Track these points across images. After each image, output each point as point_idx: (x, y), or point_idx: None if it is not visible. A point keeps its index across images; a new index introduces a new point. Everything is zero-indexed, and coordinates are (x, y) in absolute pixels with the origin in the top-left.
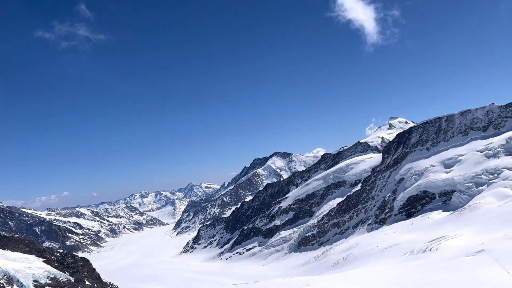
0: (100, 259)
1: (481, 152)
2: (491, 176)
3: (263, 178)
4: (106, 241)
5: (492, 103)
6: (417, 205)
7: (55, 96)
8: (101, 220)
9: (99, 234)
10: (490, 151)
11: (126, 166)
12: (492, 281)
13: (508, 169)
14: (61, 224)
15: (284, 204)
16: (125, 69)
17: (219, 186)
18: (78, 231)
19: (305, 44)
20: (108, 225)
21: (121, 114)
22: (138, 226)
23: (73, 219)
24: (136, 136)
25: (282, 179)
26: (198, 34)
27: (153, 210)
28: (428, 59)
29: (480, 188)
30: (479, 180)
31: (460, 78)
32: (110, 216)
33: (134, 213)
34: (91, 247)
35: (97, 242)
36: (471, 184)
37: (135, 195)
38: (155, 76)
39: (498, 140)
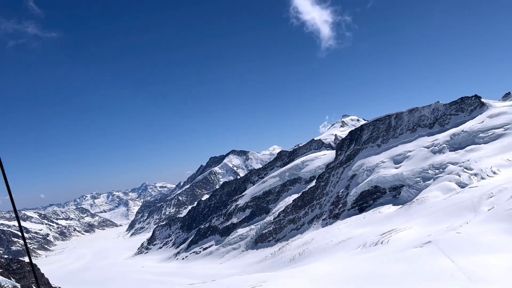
0: (49, 264)
1: (428, 148)
2: (437, 170)
3: (220, 177)
4: (56, 245)
5: (438, 102)
6: (369, 199)
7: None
8: (49, 223)
9: (48, 238)
10: (436, 147)
11: (76, 166)
12: (439, 270)
13: (453, 164)
14: (5, 229)
15: (241, 202)
16: (76, 67)
17: (174, 186)
18: (24, 235)
19: (260, 44)
20: (57, 228)
21: (71, 112)
22: (90, 228)
23: None
24: (86, 135)
25: (239, 177)
26: (150, 32)
27: (105, 211)
28: (379, 60)
29: (427, 182)
30: (426, 175)
31: (408, 78)
32: (60, 219)
33: (85, 214)
34: (39, 251)
35: (46, 246)
36: (418, 178)
37: (86, 196)
38: (107, 73)
39: (443, 137)
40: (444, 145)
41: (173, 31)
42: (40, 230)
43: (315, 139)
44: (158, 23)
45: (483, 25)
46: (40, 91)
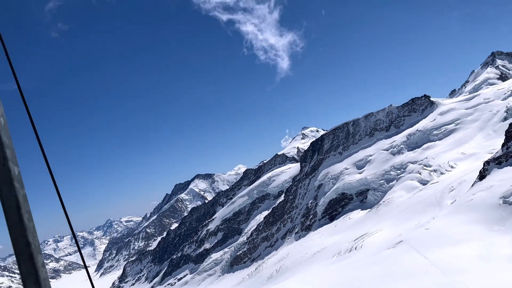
0: None
1: (387, 150)
2: (399, 171)
3: (187, 203)
4: None
5: (391, 105)
6: (337, 207)
7: None
8: (10, 274)
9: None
10: (395, 149)
11: (33, 210)
12: (413, 267)
13: (412, 163)
14: None
15: (211, 226)
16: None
17: (141, 218)
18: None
19: (216, 69)
20: (20, 278)
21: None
22: (56, 274)
23: None
24: (39, 175)
25: (207, 201)
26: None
27: (71, 254)
28: (329, 71)
29: (391, 183)
30: (389, 176)
31: (359, 84)
32: None
33: (49, 260)
34: None
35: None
36: (382, 181)
37: (48, 241)
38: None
39: (400, 138)
40: (402, 145)
41: (125, 63)
42: (2, 284)
43: (279, 153)
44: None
45: (425, 27)
46: None
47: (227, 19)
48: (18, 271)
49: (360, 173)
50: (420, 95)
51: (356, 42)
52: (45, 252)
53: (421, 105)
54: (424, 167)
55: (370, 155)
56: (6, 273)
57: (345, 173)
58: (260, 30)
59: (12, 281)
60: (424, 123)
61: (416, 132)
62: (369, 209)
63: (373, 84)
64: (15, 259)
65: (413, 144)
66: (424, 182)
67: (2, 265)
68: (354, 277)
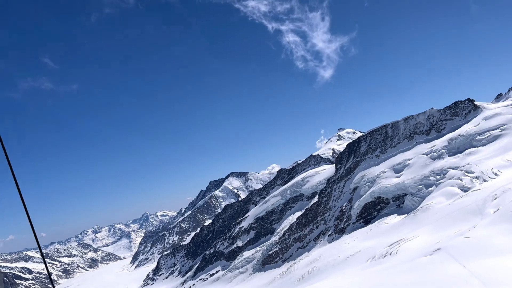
0: None
1: (427, 154)
2: (438, 176)
3: (221, 200)
4: (59, 283)
5: (432, 108)
6: (373, 211)
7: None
8: (52, 261)
9: (51, 277)
10: (435, 153)
11: (75, 202)
12: (451, 277)
13: (453, 168)
14: (7, 271)
15: (244, 224)
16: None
17: (175, 213)
18: (27, 276)
19: (254, 71)
20: (60, 266)
21: (69, 149)
22: (93, 263)
23: (21, 264)
24: (84, 170)
25: (240, 199)
26: (148, 67)
27: (108, 245)
28: (369, 73)
29: (430, 189)
30: (428, 181)
31: (400, 87)
32: (62, 256)
33: (88, 250)
34: None
35: (49, 286)
36: (421, 186)
37: (87, 231)
38: (109, 114)
39: (441, 142)
40: (443, 150)
41: (172, 68)
42: (43, 270)
43: (314, 154)
44: (157, 65)
45: (471, 31)
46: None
47: (273, 28)
48: (59, 259)
49: (397, 177)
50: (463, 99)
51: (398, 44)
52: (84, 241)
53: (465, 109)
54: (466, 173)
55: (409, 159)
56: (48, 260)
57: (382, 176)
58: (306, 37)
59: (53, 268)
60: (467, 128)
61: (458, 137)
62: (406, 215)
63: (413, 87)
64: (57, 247)
65: (454, 149)
66: (465, 189)
67: (44, 252)
68: (388, 283)
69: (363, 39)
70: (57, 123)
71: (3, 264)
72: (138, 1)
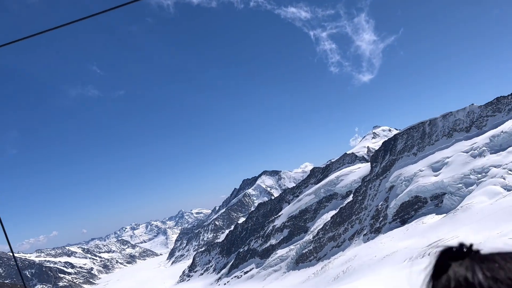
0: None
1: (467, 152)
2: (479, 175)
3: (254, 198)
4: (100, 278)
5: (472, 104)
6: (410, 210)
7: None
8: (92, 256)
9: (92, 271)
10: (476, 151)
11: (114, 199)
12: None
13: (495, 166)
14: (51, 265)
15: (277, 222)
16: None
17: (210, 211)
18: (70, 270)
19: (292, 72)
20: (101, 261)
21: (106, 149)
22: (131, 259)
23: (64, 259)
24: (122, 167)
25: (273, 198)
26: (192, 72)
27: (145, 242)
28: (405, 69)
29: (470, 188)
30: (468, 180)
31: (437, 82)
32: (102, 252)
33: (126, 246)
34: (85, 286)
35: (91, 280)
36: (460, 185)
37: (126, 228)
38: (153, 121)
39: (482, 139)
40: (484, 148)
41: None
42: (85, 265)
43: (348, 152)
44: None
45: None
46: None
47: (314, 35)
48: (100, 254)
49: (436, 175)
50: (506, 94)
51: (437, 38)
52: (123, 238)
53: (508, 105)
54: (509, 172)
55: (448, 157)
56: (89, 256)
57: (419, 175)
58: (348, 40)
59: (94, 263)
60: (511, 124)
61: (501, 134)
62: (445, 214)
63: (451, 83)
64: (97, 242)
65: (496, 147)
66: (508, 188)
67: (85, 247)
68: None
69: (408, 38)
70: (104, 128)
71: (47, 258)
72: (177, 11)
